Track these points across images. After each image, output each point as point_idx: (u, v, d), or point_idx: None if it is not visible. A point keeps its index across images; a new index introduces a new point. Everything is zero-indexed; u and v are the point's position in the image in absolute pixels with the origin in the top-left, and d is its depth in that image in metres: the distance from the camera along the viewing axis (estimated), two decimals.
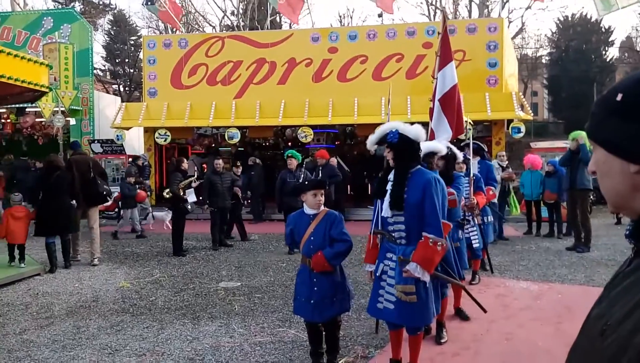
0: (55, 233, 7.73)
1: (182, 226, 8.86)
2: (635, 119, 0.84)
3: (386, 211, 3.54)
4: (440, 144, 4.75)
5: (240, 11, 31.07)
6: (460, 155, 5.40)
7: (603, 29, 39.64)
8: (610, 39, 40.48)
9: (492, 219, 6.93)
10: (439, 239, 3.38)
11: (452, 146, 5.23)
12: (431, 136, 6.02)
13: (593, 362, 0.80)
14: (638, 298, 0.77)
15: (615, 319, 0.79)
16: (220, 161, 9.61)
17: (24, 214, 7.65)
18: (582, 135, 8.65)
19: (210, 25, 32.98)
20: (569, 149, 8.90)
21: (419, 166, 3.59)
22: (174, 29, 23.52)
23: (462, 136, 6.75)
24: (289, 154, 9.45)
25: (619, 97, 0.87)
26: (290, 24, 33.00)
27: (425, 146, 4.10)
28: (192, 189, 8.91)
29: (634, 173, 0.84)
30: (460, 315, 5.15)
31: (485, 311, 4.47)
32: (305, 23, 36.16)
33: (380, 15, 21.84)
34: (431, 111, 5.92)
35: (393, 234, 3.54)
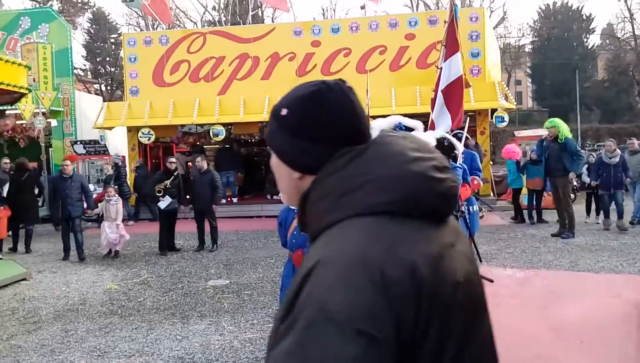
0: (24, 222, 9.53)
1: (162, 225, 8.93)
2: (297, 134, 0.94)
3: None
4: (430, 136, 4.77)
5: (222, 6, 30.82)
6: (459, 145, 5.39)
7: (584, 17, 40.09)
8: (591, 27, 40.97)
9: (477, 209, 6.98)
10: None
11: (450, 137, 5.23)
12: (431, 126, 6.01)
13: None
14: (290, 296, 0.82)
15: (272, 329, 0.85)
16: (199, 159, 9.50)
17: (3, 214, 8.83)
18: (556, 123, 8.79)
19: (192, 21, 32.67)
20: (542, 139, 9.16)
21: None
22: (156, 25, 23.26)
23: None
24: None
25: (284, 112, 0.96)
26: (272, 18, 32.83)
27: None
28: (168, 194, 8.85)
29: (297, 179, 0.97)
30: None
31: (492, 281, 4.51)
32: (287, 17, 36.02)
33: (362, 7, 21.75)
34: (433, 101, 5.91)
35: None
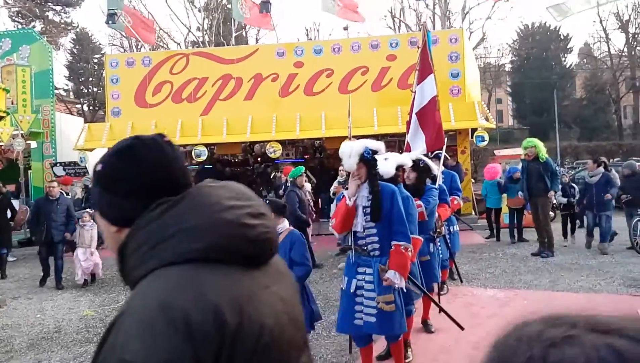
0: None
1: None
2: (109, 189, 0.99)
3: (358, 226, 3.60)
4: (406, 158, 4.82)
5: (205, 27, 30.97)
6: (435, 166, 5.47)
7: (562, 37, 41.10)
8: (568, 46, 41.99)
9: (458, 228, 7.01)
10: (408, 245, 3.53)
11: (426, 158, 5.27)
12: (407, 149, 6.08)
13: None
14: (97, 347, 0.86)
15: None
16: None
17: None
18: (535, 143, 8.86)
19: (175, 42, 32.72)
20: (523, 161, 9.14)
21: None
22: (139, 46, 23.29)
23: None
24: (301, 173, 9.11)
25: (99, 167, 1.01)
26: (256, 39, 33.07)
27: (394, 160, 4.20)
28: None
29: (114, 232, 1.00)
30: (426, 327, 5.18)
31: (462, 328, 4.45)
32: (271, 38, 36.31)
33: (345, 28, 22.08)
34: (408, 123, 5.98)
35: (366, 247, 3.62)
